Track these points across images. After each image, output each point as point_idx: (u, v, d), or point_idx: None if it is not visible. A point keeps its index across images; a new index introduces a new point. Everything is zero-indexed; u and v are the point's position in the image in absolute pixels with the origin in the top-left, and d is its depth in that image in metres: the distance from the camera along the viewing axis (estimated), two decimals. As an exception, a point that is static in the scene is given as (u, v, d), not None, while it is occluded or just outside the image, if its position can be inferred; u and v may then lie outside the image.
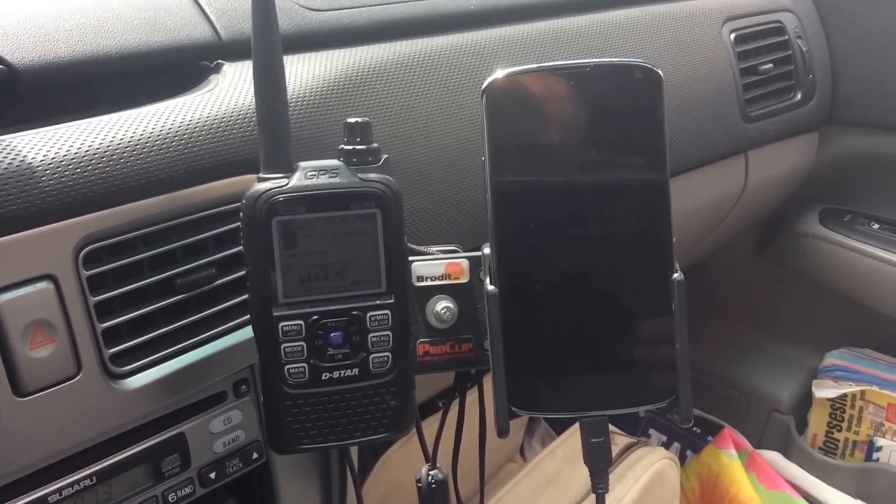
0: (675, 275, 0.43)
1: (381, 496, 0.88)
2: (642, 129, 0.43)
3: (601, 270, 0.44)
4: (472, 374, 0.53)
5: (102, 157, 0.46)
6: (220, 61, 0.58)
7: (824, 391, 1.25)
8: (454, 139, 0.64)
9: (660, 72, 0.43)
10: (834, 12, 1.09)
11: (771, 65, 0.98)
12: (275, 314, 0.44)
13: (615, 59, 0.43)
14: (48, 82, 0.51)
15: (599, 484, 0.45)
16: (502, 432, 0.44)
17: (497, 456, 1.13)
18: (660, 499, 0.96)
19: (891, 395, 1.20)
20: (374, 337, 0.45)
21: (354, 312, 0.45)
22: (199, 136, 0.51)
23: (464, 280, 0.47)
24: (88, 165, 0.46)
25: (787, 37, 1.02)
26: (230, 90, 0.54)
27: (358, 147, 0.45)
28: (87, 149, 0.46)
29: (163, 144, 0.49)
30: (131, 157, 0.47)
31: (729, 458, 1.20)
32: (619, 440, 1.03)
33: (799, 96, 1.04)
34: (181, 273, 0.50)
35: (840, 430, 1.26)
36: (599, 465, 0.44)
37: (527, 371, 0.44)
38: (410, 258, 0.47)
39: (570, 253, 0.44)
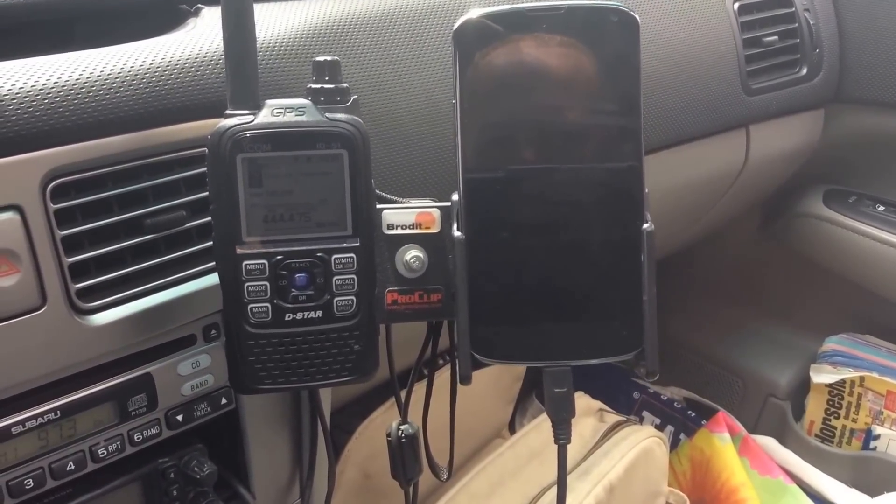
0: (646, 225, 0.42)
1: (362, 459, 0.88)
2: (617, 74, 0.42)
3: (571, 219, 0.43)
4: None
5: (71, 91, 0.46)
6: (199, 5, 0.57)
7: (822, 376, 1.23)
8: (440, 95, 0.63)
9: (636, 16, 0.42)
10: (843, -15, 1.06)
11: (776, 37, 0.96)
12: (238, 252, 0.44)
13: (591, 2, 0.42)
14: (19, 19, 0.50)
15: (561, 435, 0.44)
16: (465, 378, 0.43)
17: (485, 431, 1.13)
18: (646, 476, 0.95)
19: (891, 383, 1.18)
20: (338, 280, 0.45)
21: (319, 254, 0.44)
22: (172, 75, 0.50)
23: (435, 230, 0.47)
24: (57, 97, 0.45)
25: (793, 9, 1.00)
26: (207, 33, 0.53)
27: (326, 86, 0.44)
28: (56, 82, 0.45)
29: (133, 81, 0.48)
30: (100, 91, 0.47)
31: (722, 443, 1.18)
32: (608, 418, 1.02)
33: (804, 71, 1.01)
34: (151, 213, 0.49)
35: (838, 418, 1.24)
36: (562, 415, 0.44)
37: (491, 318, 0.43)
38: (381, 206, 0.46)
39: (539, 200, 0.43)
